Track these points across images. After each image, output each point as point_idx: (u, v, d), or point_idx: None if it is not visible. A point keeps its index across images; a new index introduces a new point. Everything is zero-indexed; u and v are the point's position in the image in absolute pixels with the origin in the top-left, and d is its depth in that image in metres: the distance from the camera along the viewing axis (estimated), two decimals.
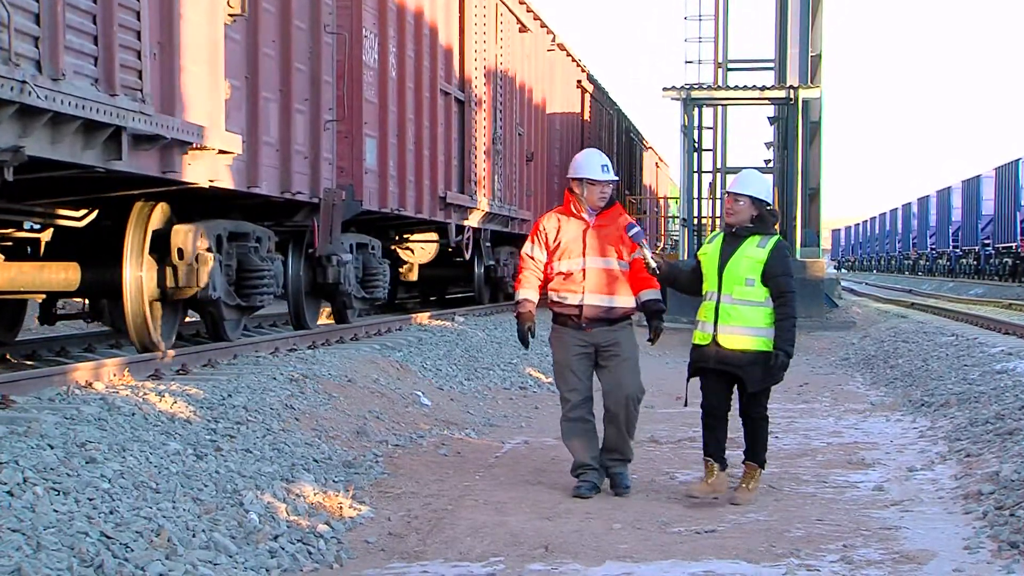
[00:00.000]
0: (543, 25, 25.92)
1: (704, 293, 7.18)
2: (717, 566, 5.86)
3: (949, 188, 56.85)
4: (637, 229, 7.23)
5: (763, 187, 7.20)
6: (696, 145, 26.94)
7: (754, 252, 7.08)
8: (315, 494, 6.78)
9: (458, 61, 19.37)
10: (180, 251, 10.47)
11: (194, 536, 5.53)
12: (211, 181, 10.18)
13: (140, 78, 8.75)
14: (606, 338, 7.34)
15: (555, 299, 7.42)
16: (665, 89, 25.67)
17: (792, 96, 25.73)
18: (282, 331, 14.83)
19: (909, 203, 69.42)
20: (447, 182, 18.48)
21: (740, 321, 7.04)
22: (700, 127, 27.54)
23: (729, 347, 7.06)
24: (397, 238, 19.30)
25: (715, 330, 7.08)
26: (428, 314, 17.81)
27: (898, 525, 6.72)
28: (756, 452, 7.33)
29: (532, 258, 7.48)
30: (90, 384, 8.36)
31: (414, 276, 19.99)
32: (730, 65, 30.80)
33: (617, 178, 7.49)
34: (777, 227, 7.24)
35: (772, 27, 29.36)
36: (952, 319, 24.27)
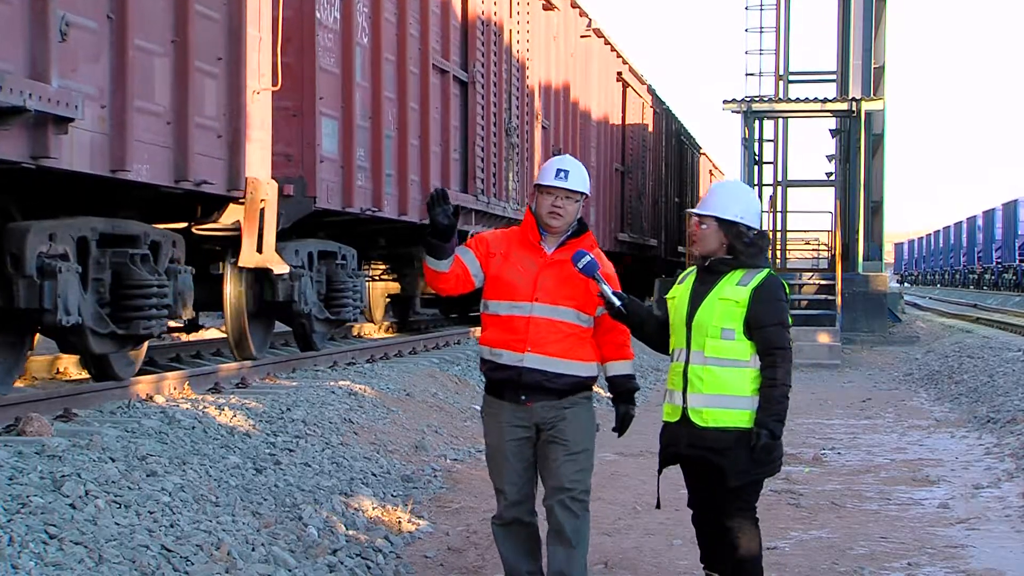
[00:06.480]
0: (574, 5, 22.61)
1: (671, 351, 5.20)
2: None
3: (1016, 201, 56.02)
4: (589, 259, 5.12)
5: (736, 205, 5.08)
6: (757, 158, 26.80)
7: (732, 293, 5.02)
8: (374, 508, 6.79)
9: (459, 34, 16.02)
10: (15, 259, 7.54)
11: (253, 550, 5.55)
12: (37, 159, 7.02)
13: None
14: (550, 415, 5.29)
15: (487, 356, 5.27)
16: (726, 102, 25.61)
17: (855, 108, 25.54)
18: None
19: (974, 216, 68.55)
20: (443, 179, 15.27)
21: (716, 388, 5.00)
22: (761, 140, 27.40)
23: (703, 424, 5.01)
24: (385, 245, 15.86)
25: (684, 401, 5.07)
26: None
27: (964, 543, 6.62)
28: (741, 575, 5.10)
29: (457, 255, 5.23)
30: (151, 397, 8.43)
31: (416, 291, 16.96)
32: (791, 77, 30.60)
33: (583, 190, 5.19)
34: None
35: (834, 39, 29.16)
36: (1019, 334, 23.94)
